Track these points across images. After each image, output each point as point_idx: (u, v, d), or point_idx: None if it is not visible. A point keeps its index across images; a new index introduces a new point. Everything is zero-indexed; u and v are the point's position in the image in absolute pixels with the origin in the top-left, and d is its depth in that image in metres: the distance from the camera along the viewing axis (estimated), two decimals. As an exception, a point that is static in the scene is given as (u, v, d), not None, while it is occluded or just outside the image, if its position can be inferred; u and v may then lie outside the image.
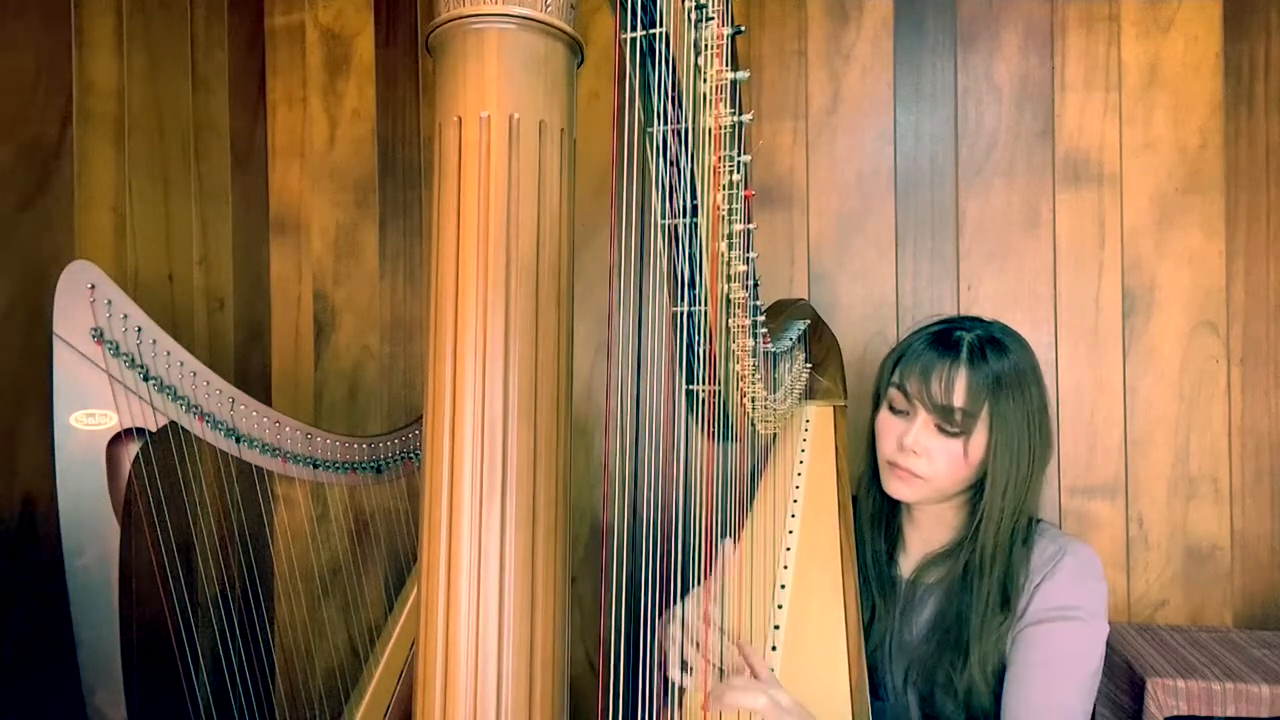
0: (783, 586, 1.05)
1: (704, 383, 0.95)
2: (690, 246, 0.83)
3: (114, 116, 1.45)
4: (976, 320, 1.09)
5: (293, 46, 1.91)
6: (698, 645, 0.92)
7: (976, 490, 1.07)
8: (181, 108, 1.63)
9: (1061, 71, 1.66)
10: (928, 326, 1.10)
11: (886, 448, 1.08)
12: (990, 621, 1.01)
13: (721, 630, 0.95)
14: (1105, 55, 1.65)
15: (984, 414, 1.01)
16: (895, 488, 1.08)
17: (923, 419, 1.04)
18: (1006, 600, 1.01)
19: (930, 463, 1.04)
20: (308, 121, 1.91)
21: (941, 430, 1.03)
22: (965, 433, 1.02)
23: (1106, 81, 1.65)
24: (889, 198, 1.71)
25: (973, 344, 1.03)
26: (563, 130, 0.52)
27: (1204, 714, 1.28)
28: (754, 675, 0.86)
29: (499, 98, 0.49)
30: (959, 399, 1.01)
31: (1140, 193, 1.64)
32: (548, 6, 0.50)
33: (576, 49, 0.53)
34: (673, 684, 0.93)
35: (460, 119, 0.50)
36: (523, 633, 0.48)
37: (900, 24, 1.71)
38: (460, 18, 0.50)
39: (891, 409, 1.09)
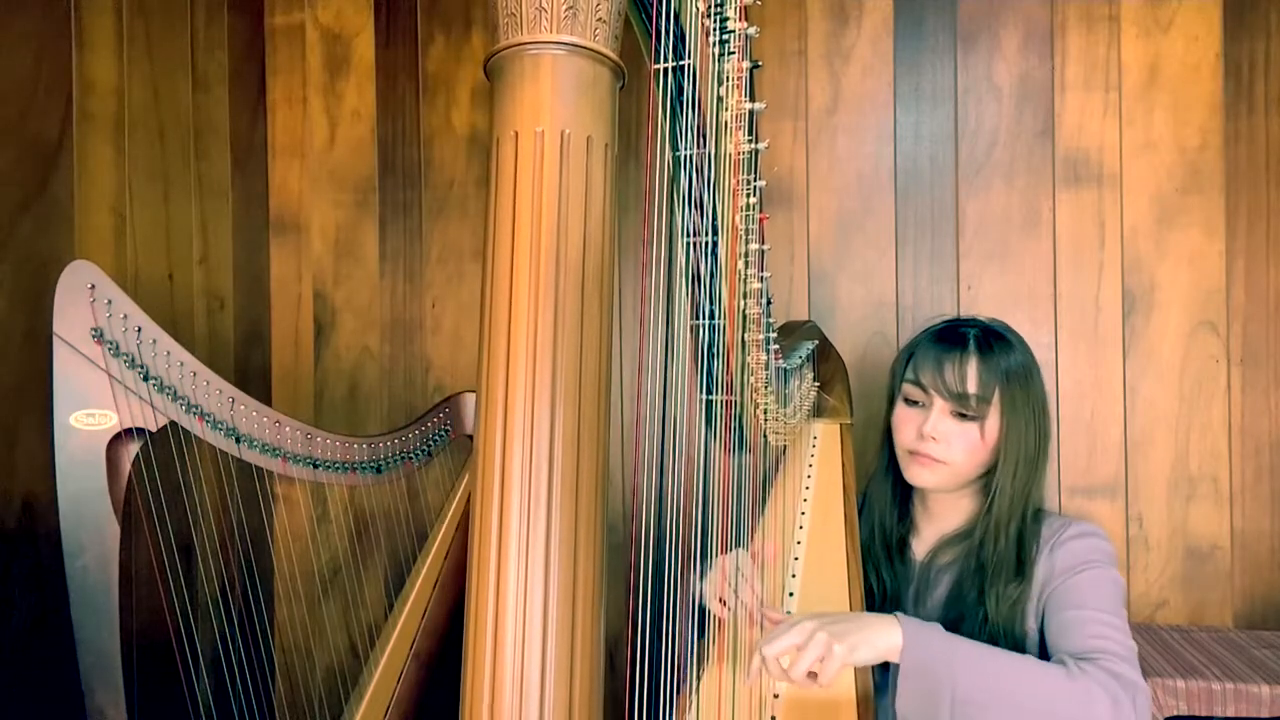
0: (791, 595, 1.07)
1: (721, 393, 1.01)
2: (711, 264, 0.89)
3: (114, 116, 1.45)
4: (975, 319, 1.16)
5: (293, 46, 1.91)
6: (736, 591, 0.99)
7: (988, 477, 1.12)
8: (181, 108, 1.63)
9: (1061, 71, 1.66)
10: (931, 327, 1.17)
11: (906, 438, 1.14)
12: (1006, 588, 1.05)
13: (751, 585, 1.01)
14: (1105, 55, 1.65)
15: (995, 398, 1.08)
16: (917, 474, 1.13)
17: (939, 407, 1.10)
18: (1021, 567, 1.07)
19: (949, 447, 1.10)
20: (308, 121, 1.91)
21: (958, 416, 1.09)
22: (980, 417, 1.09)
23: (1106, 81, 1.65)
24: (889, 198, 1.71)
25: (979, 336, 1.11)
26: (607, 145, 0.58)
27: (1204, 714, 1.28)
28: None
29: (552, 115, 0.55)
30: (972, 385, 1.08)
31: (1140, 193, 1.64)
32: (596, 36, 0.56)
33: (619, 73, 0.59)
34: (691, 674, 0.96)
35: (517, 133, 0.55)
36: (565, 604, 0.53)
37: (900, 24, 1.71)
38: (519, 44, 0.56)
39: (907, 402, 1.15)
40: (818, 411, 1.45)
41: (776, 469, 1.32)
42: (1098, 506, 1.64)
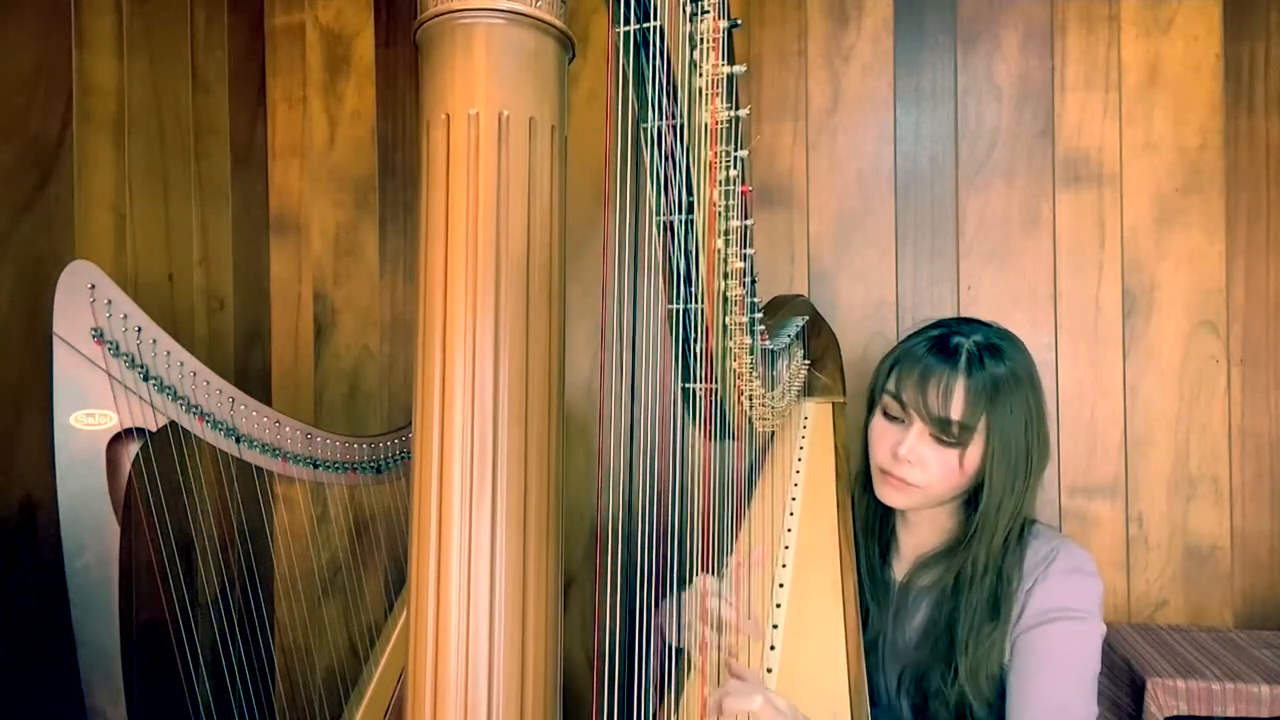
0: (781, 585, 1.05)
1: (701, 380, 0.94)
2: (686, 242, 0.82)
3: (114, 116, 1.45)
4: (974, 324, 1.07)
5: (293, 46, 1.91)
6: (713, 623, 0.91)
7: (971, 493, 1.06)
8: (181, 108, 1.63)
9: (1061, 71, 1.66)
10: (924, 330, 1.08)
11: (880, 455, 1.06)
12: (978, 631, 0.99)
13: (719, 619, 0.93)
14: (1105, 55, 1.65)
15: (981, 425, 0.99)
16: (888, 495, 1.07)
17: (918, 428, 1.02)
18: (996, 609, 1.00)
19: (925, 472, 1.02)
20: (308, 121, 1.90)
21: (937, 440, 1.01)
22: (962, 445, 1.00)
23: (1106, 81, 1.65)
24: (889, 198, 1.71)
25: (971, 351, 1.01)
26: (553, 127, 0.51)
27: (1204, 714, 1.28)
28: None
29: (487, 95, 0.48)
30: (956, 411, 0.99)
31: (1140, 193, 1.64)
32: (538, 1, 0.49)
33: (568, 45, 0.52)
34: (669, 679, 0.93)
35: (448, 116, 0.49)
36: (514, 633, 0.47)
37: (900, 24, 1.71)
38: (448, 13, 0.49)
39: (886, 415, 1.07)
40: (809, 390, 1.38)
41: (764, 456, 1.26)
42: (1098, 506, 1.64)
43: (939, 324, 1.08)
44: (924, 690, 1.04)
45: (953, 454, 1.01)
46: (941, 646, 1.03)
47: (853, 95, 1.73)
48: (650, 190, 0.78)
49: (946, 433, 1.00)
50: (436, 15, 0.49)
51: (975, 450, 1.00)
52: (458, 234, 0.49)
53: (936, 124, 1.70)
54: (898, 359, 1.06)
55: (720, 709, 0.79)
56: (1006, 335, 1.06)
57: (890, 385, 1.05)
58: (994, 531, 1.01)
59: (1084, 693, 0.95)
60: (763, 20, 1.74)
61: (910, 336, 1.09)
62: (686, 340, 0.91)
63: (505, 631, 0.47)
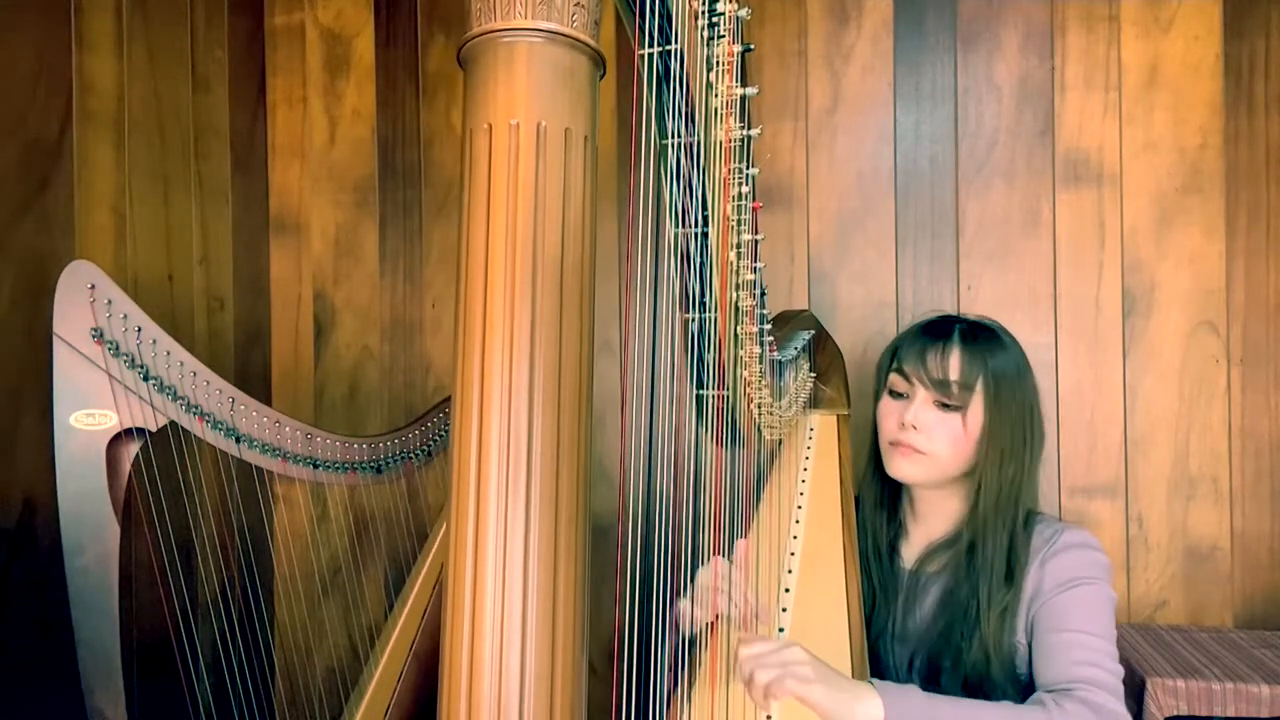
0: (787, 590, 1.06)
1: (713, 388, 0.99)
2: (701, 256, 0.87)
3: (114, 116, 1.45)
4: (964, 315, 1.16)
5: (293, 46, 1.91)
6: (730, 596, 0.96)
7: (975, 477, 1.10)
8: (181, 108, 1.63)
9: (1061, 71, 1.66)
10: (919, 321, 1.17)
11: (888, 428, 1.13)
12: (996, 594, 1.04)
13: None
14: (1105, 55, 1.65)
15: (979, 387, 1.07)
16: (898, 466, 1.12)
17: (922, 397, 1.09)
18: (1010, 573, 1.05)
19: (930, 438, 1.08)
20: (308, 121, 1.90)
21: (941, 406, 1.08)
22: (962, 406, 1.07)
23: (1106, 81, 1.65)
24: (889, 198, 1.71)
25: (963, 327, 1.11)
26: (586, 137, 0.55)
27: (1204, 714, 1.28)
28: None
29: (527, 107, 0.53)
30: (954, 372, 1.07)
31: (1140, 193, 1.64)
32: (574, 22, 0.54)
33: (599, 62, 0.57)
34: (679, 680, 0.94)
35: (491, 126, 0.53)
36: (545, 615, 0.51)
37: (900, 24, 1.71)
38: (492, 32, 0.53)
39: (891, 393, 1.14)
40: (814, 403, 1.42)
41: (771, 464, 1.30)
42: (1098, 506, 1.64)
43: (931, 316, 1.18)
44: (937, 668, 1.08)
45: (955, 418, 1.08)
46: (959, 615, 1.06)
47: (853, 95, 1.73)
48: (668, 205, 0.82)
49: (947, 393, 1.07)
50: (482, 34, 0.54)
51: (975, 415, 1.08)
52: (498, 235, 0.53)
53: (936, 124, 1.70)
54: (898, 344, 1.15)
55: (768, 690, 0.80)
56: (997, 324, 1.15)
57: (893, 364, 1.14)
58: (997, 494, 1.06)
59: (1107, 648, 0.98)
60: (763, 20, 1.74)
61: (906, 329, 1.18)
62: (700, 349, 0.96)
63: (538, 608, 0.51)
